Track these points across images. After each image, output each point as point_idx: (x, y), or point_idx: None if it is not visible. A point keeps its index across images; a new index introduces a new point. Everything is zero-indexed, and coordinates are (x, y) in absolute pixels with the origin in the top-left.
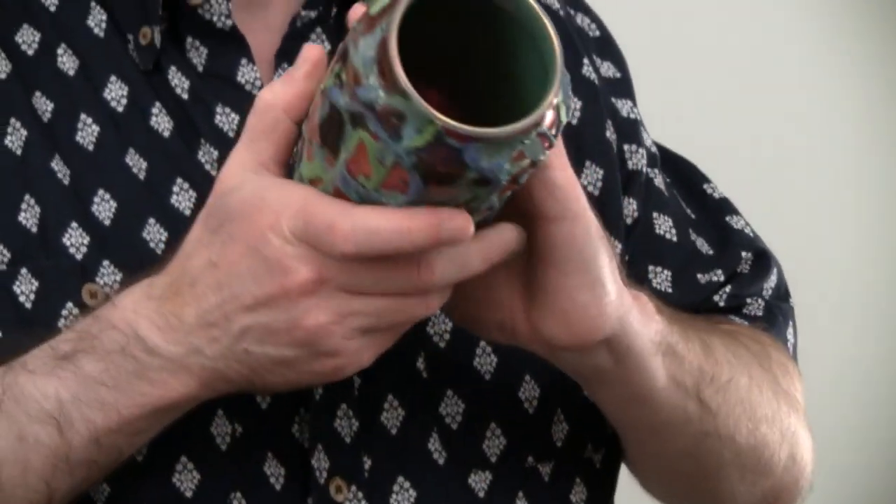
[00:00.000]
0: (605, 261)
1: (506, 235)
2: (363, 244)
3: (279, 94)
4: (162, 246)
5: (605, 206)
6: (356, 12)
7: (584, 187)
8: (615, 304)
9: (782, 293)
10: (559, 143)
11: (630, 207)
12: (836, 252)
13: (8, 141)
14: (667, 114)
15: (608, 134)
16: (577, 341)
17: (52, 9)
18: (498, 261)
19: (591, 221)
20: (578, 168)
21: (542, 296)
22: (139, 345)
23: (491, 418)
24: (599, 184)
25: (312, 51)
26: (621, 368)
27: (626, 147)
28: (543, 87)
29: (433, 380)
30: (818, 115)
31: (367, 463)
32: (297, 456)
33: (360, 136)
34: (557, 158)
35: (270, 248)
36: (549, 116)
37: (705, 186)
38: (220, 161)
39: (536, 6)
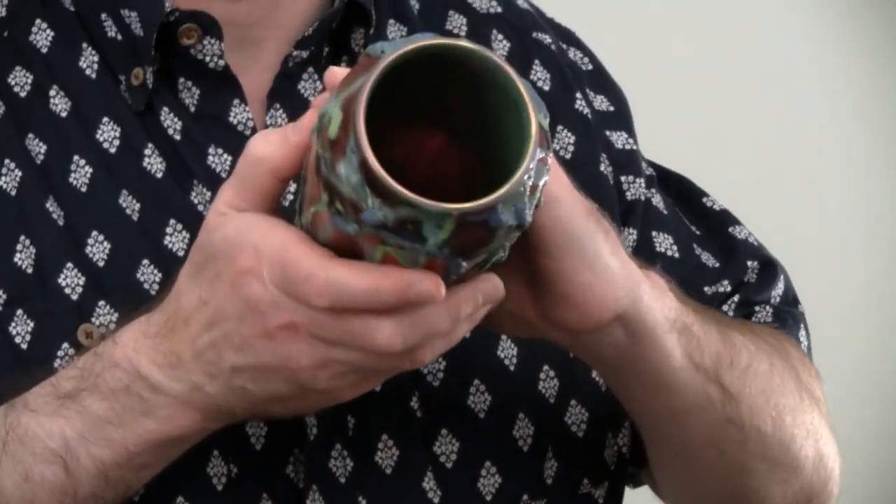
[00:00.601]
0: (601, 237)
1: (481, 286)
2: (336, 300)
3: (270, 152)
4: (156, 287)
5: None
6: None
7: None
8: (621, 278)
9: (790, 299)
10: None
11: (630, 238)
12: (839, 254)
13: (2, 182)
14: (667, 117)
15: (602, 168)
16: (589, 323)
17: (44, 50)
18: (474, 315)
19: (576, 202)
20: None
21: (544, 284)
22: (142, 383)
23: (485, 457)
24: None
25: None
26: (637, 346)
27: (623, 179)
28: (519, 120)
29: (427, 419)
30: (817, 117)
31: (363, 503)
32: (293, 496)
33: (384, 250)
34: None
35: (249, 291)
36: (538, 144)
37: (704, 200)
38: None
39: (488, 53)
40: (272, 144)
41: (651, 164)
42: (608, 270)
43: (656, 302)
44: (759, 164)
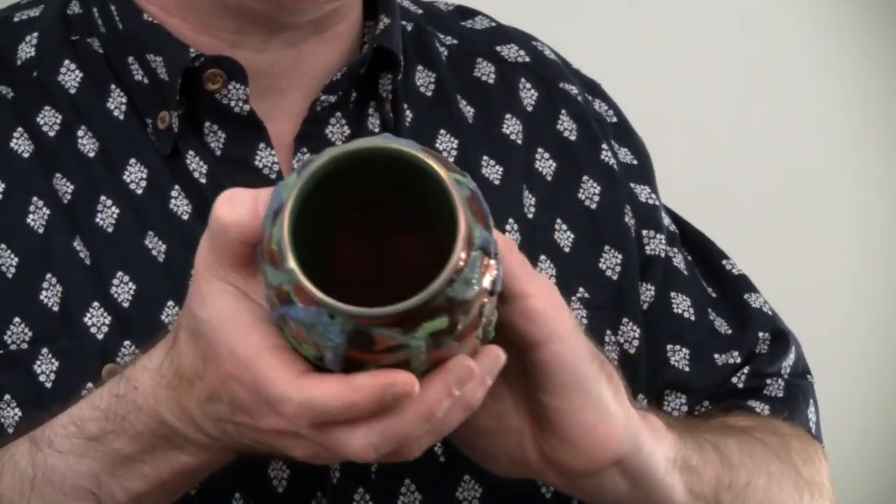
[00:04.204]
0: (603, 379)
1: (453, 375)
2: (314, 419)
3: (235, 219)
4: None
5: (623, 290)
6: None
7: (603, 272)
8: (623, 424)
9: (800, 371)
10: (542, 276)
11: (648, 293)
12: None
13: (30, 219)
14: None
15: (626, 219)
16: (590, 466)
17: (73, 91)
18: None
19: (580, 342)
20: (597, 252)
21: (547, 424)
22: (167, 428)
23: (508, 503)
24: (619, 268)
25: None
26: (639, 491)
27: (644, 233)
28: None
29: (450, 464)
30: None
31: None
32: None
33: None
34: (536, 286)
35: (235, 394)
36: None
37: (724, 262)
38: None
39: (410, 149)
40: (237, 211)
41: (674, 219)
42: (611, 414)
43: (657, 446)
44: (765, 162)
